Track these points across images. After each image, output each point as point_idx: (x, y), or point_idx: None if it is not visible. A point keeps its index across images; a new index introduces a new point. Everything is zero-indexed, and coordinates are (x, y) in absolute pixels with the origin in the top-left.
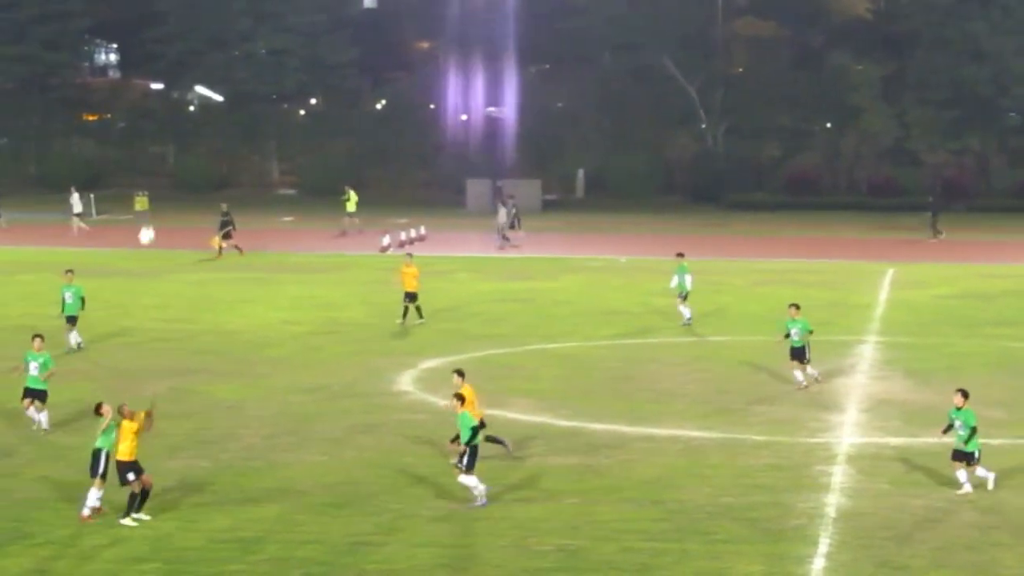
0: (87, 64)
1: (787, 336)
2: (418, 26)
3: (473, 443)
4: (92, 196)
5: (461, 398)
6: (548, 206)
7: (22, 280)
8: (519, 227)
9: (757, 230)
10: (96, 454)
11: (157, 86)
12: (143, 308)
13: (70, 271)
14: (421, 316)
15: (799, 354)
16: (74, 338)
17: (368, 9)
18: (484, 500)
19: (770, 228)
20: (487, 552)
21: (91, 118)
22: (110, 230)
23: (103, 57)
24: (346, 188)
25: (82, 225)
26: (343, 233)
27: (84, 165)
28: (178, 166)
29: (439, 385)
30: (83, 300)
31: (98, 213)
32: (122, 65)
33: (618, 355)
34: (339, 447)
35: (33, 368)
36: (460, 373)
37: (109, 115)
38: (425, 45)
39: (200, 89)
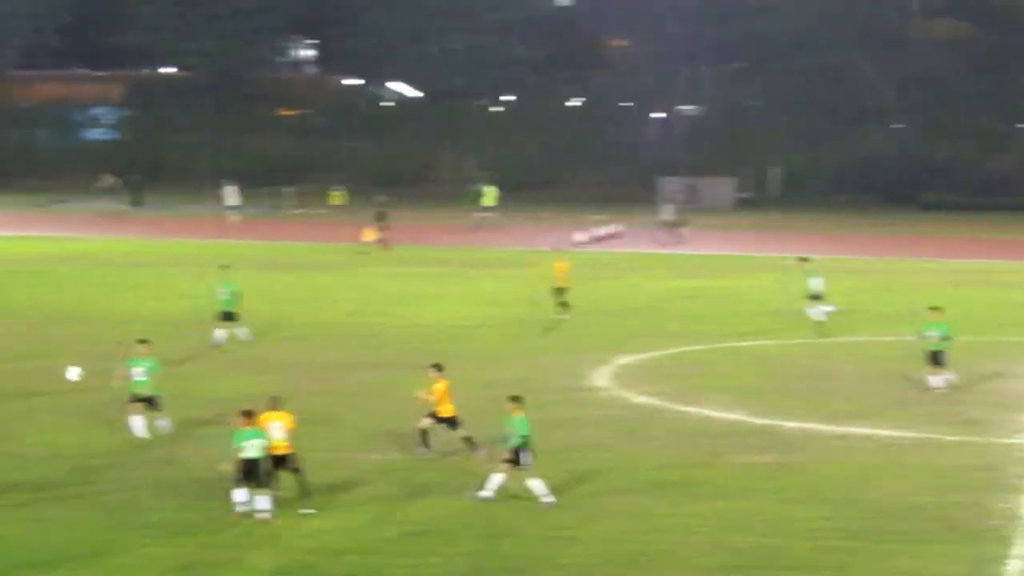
0: (285, 60)
1: (926, 337)
2: (612, 24)
3: (520, 446)
4: (292, 190)
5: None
6: (741, 204)
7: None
8: (682, 226)
9: (952, 230)
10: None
11: (355, 82)
12: (337, 302)
13: (226, 266)
14: (565, 312)
15: (937, 358)
16: (243, 333)
17: (563, 7)
18: (490, 494)
19: (965, 229)
20: (682, 549)
21: (289, 114)
22: (307, 225)
23: (301, 53)
24: (483, 184)
25: (235, 218)
26: (478, 228)
27: (281, 160)
28: (375, 161)
29: (635, 381)
30: (239, 296)
31: (296, 208)
32: (320, 61)
33: (812, 353)
34: (534, 442)
35: (138, 374)
36: (438, 367)
37: (306, 111)
38: (619, 43)
39: (397, 85)
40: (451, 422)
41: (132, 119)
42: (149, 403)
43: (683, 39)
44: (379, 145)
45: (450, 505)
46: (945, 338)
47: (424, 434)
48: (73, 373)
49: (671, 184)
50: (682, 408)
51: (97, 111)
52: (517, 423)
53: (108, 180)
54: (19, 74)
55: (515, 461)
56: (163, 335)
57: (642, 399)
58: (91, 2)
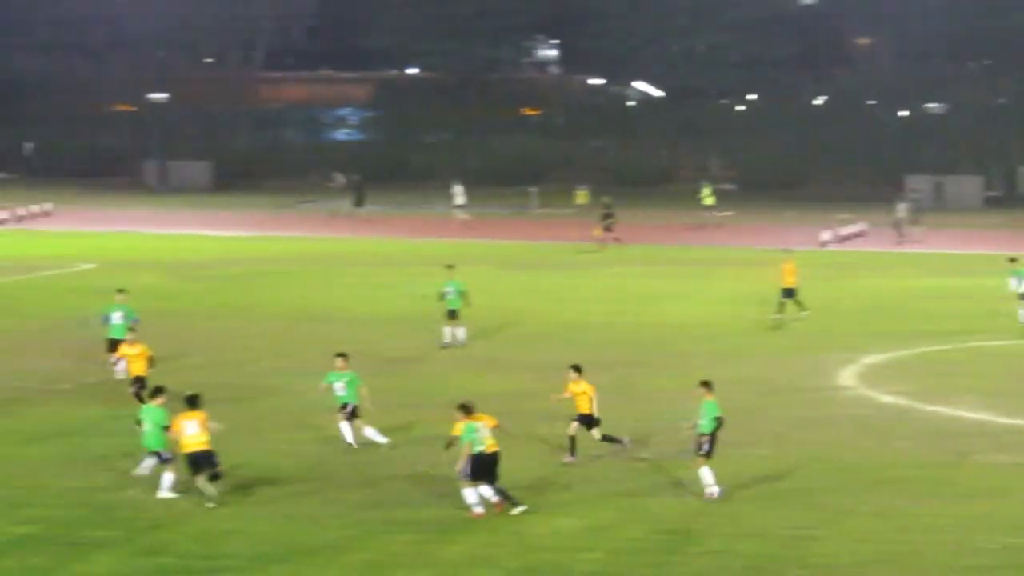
0: (527, 60)
1: None
2: (858, 22)
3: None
4: (535, 190)
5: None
6: (990, 203)
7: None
8: (916, 224)
9: None
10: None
11: (597, 81)
12: (583, 301)
13: (451, 265)
14: (803, 309)
15: None
16: (460, 333)
17: (807, 5)
18: (715, 490)
19: None
20: (929, 549)
21: (532, 113)
22: (552, 224)
23: (544, 53)
24: (703, 183)
25: (464, 217)
26: (703, 227)
27: (524, 160)
28: (618, 161)
29: (882, 380)
30: (464, 295)
31: (539, 207)
32: (563, 61)
33: None
34: (781, 441)
35: (339, 388)
36: (577, 369)
37: (549, 111)
38: (865, 41)
39: (640, 84)
40: (588, 421)
41: (377, 120)
42: (352, 413)
43: (929, 36)
44: (622, 144)
45: (696, 504)
46: None
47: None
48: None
49: (910, 183)
50: (929, 408)
51: (342, 112)
52: (708, 407)
53: (340, 180)
54: (266, 76)
55: (709, 453)
56: (403, 334)
57: (889, 398)
58: (338, 5)
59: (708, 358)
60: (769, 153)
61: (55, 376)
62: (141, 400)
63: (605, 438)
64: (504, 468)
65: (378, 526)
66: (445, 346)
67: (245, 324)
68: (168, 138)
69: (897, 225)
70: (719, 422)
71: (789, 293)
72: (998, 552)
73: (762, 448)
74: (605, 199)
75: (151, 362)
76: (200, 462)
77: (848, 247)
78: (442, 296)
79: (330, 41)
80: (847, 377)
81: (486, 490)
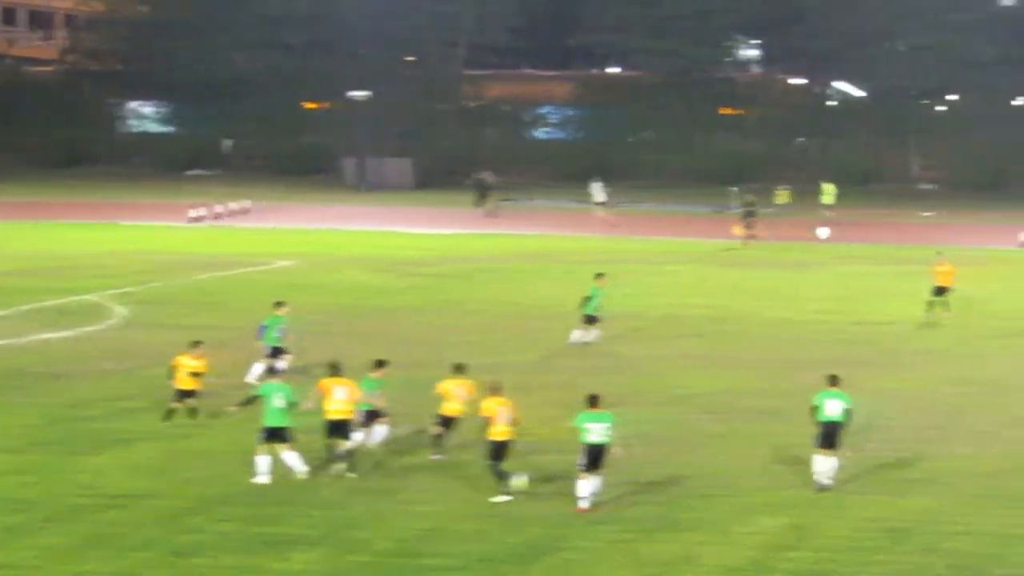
0: (730, 59)
1: None
2: None
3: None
4: (736, 189)
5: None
6: None
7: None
8: None
9: None
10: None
11: (798, 81)
12: (792, 299)
13: (601, 274)
14: (945, 311)
15: None
16: (592, 335)
17: (1009, 5)
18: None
19: None
20: None
21: (733, 112)
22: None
23: (746, 52)
24: (821, 183)
25: (607, 215)
26: (825, 223)
27: (727, 158)
28: (821, 160)
29: None
30: (589, 300)
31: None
32: (764, 60)
33: None
34: (986, 439)
35: (374, 396)
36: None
37: (751, 109)
38: None
39: (841, 84)
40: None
41: (578, 119)
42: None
43: None
44: (823, 144)
45: (904, 503)
46: None
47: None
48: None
49: None
50: None
51: (544, 110)
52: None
53: (490, 179)
54: (468, 73)
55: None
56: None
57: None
58: (540, 3)
59: (915, 356)
60: (970, 153)
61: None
62: (171, 413)
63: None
64: (716, 465)
65: (582, 524)
66: (573, 344)
67: (448, 320)
68: (368, 136)
69: None
70: (847, 415)
71: (941, 291)
72: None
73: (967, 447)
74: (748, 196)
75: (201, 380)
76: (339, 430)
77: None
78: (586, 301)
79: (532, 39)
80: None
81: (587, 484)
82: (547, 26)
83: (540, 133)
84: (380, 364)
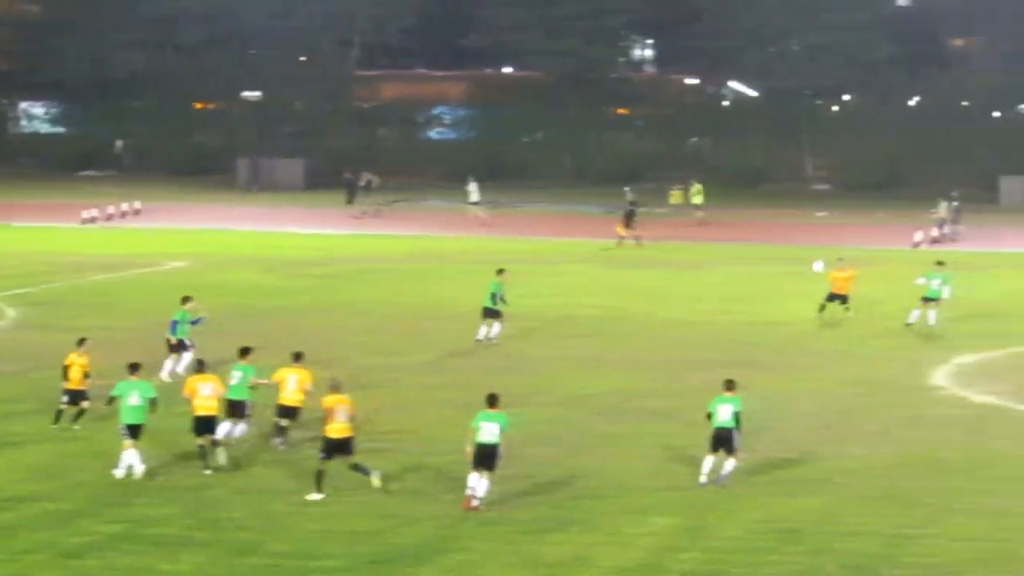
0: (624, 59)
1: None
2: (954, 22)
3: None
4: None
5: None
6: None
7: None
8: (959, 223)
9: None
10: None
11: (692, 81)
12: (681, 299)
13: (502, 270)
14: (848, 311)
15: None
16: (495, 329)
17: (903, 6)
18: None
19: None
20: (1022, 548)
21: (627, 112)
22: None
23: (639, 52)
24: (692, 181)
25: (481, 215)
26: (701, 223)
27: (620, 158)
28: (714, 160)
29: (974, 380)
30: (494, 297)
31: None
32: (658, 60)
33: None
34: (878, 441)
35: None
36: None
37: (645, 109)
38: (960, 42)
39: (735, 84)
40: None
41: (472, 119)
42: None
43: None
44: (716, 144)
45: (794, 503)
46: None
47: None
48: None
49: (1004, 184)
50: (1021, 407)
51: (437, 111)
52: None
53: (369, 179)
54: (361, 74)
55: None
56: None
57: (981, 398)
58: (434, 3)
59: (807, 358)
60: (864, 153)
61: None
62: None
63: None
64: (609, 465)
65: (474, 526)
66: (479, 342)
67: (339, 320)
68: (261, 136)
69: (940, 224)
70: (737, 418)
71: (834, 298)
72: None
73: (858, 447)
74: (630, 195)
75: (87, 376)
76: (206, 426)
77: (942, 247)
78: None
79: (425, 39)
80: (940, 377)
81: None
82: (441, 26)
83: (434, 133)
84: (245, 352)
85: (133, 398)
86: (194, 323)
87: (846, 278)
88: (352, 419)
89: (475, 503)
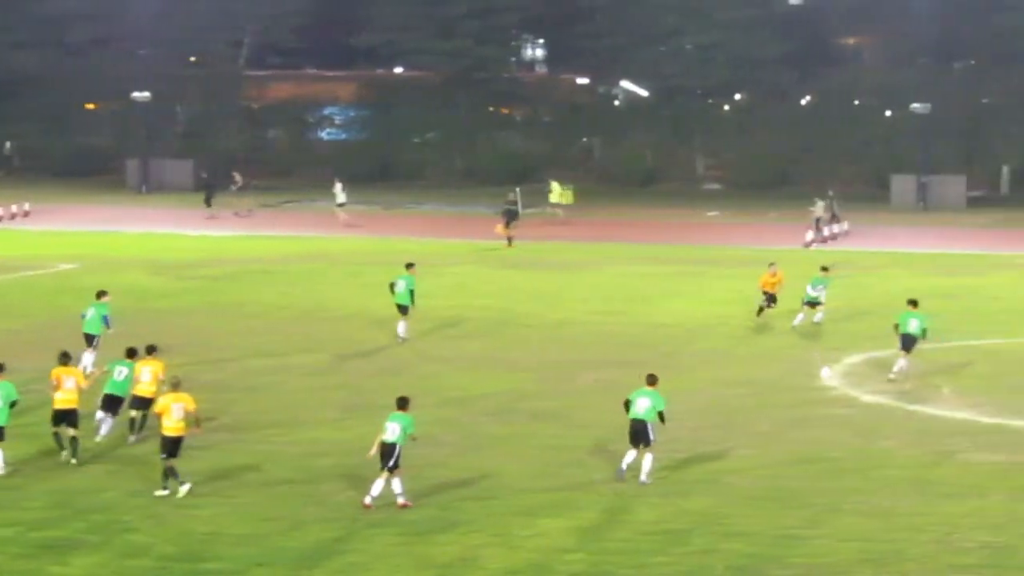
0: (515, 59)
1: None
2: (845, 21)
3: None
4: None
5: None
6: (973, 202)
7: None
8: (837, 221)
9: None
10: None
11: (583, 81)
12: (570, 300)
13: (411, 264)
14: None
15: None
16: (402, 329)
17: (794, 5)
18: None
19: None
20: (910, 548)
21: (519, 113)
22: (536, 223)
23: (531, 52)
24: (549, 180)
25: (344, 215)
26: (563, 222)
27: (511, 159)
28: (604, 160)
29: (864, 380)
30: (412, 293)
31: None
32: (549, 60)
33: None
34: (766, 441)
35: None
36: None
37: (536, 109)
38: (851, 41)
39: (626, 84)
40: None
41: (362, 119)
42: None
43: (915, 36)
44: (608, 144)
45: (682, 504)
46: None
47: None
48: (826, 372)
49: (895, 182)
50: (911, 407)
51: (328, 111)
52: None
53: (239, 180)
54: (251, 74)
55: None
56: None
57: (871, 398)
58: (324, 3)
59: (695, 358)
60: (755, 153)
61: (38, 376)
62: None
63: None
64: (497, 467)
65: (361, 527)
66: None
67: (228, 322)
68: (150, 137)
69: (817, 223)
70: (651, 412)
71: (772, 299)
72: (979, 551)
73: (747, 448)
74: (511, 195)
75: None
76: (66, 418)
77: (832, 247)
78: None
79: (316, 39)
80: (830, 377)
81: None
82: (331, 26)
83: (325, 134)
84: (131, 353)
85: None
86: (105, 321)
87: (776, 281)
88: (190, 418)
89: (368, 501)
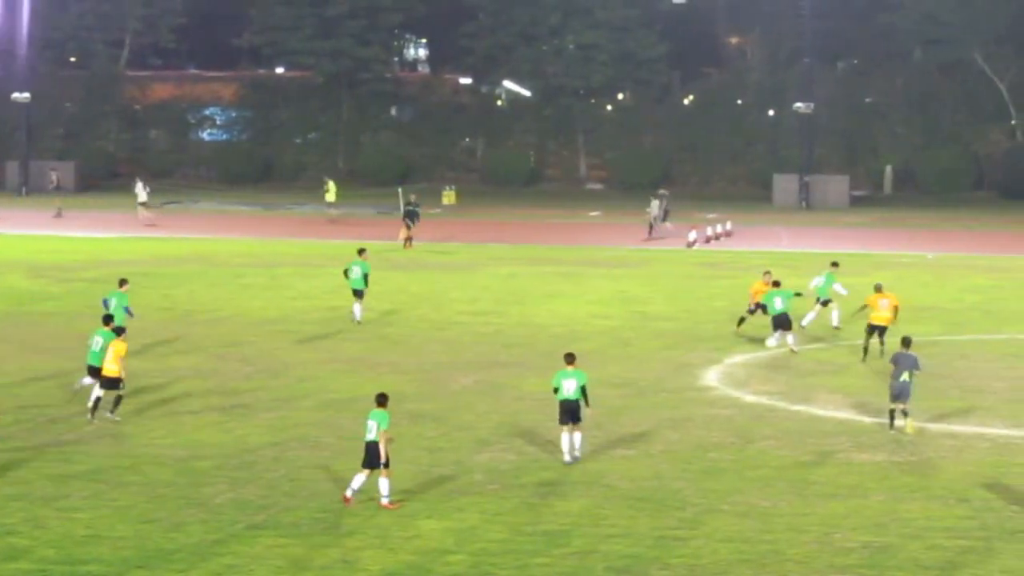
0: (397, 59)
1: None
2: (728, 21)
3: None
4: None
5: None
6: (856, 202)
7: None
8: (666, 220)
9: None
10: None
11: (466, 81)
12: (452, 301)
13: (363, 249)
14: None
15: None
16: (358, 311)
17: (678, 4)
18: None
19: None
20: (790, 548)
21: (399, 113)
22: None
23: (413, 52)
24: (325, 179)
25: (147, 214)
26: (333, 221)
27: (393, 159)
28: (487, 160)
29: (746, 380)
30: (367, 277)
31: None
32: (432, 60)
33: (926, 352)
34: (646, 442)
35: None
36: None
37: (419, 110)
38: (734, 40)
39: (509, 84)
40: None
41: (243, 120)
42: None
43: (799, 36)
44: (491, 144)
45: (561, 505)
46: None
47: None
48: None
49: (777, 182)
50: (792, 407)
51: (209, 111)
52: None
53: (54, 179)
54: (132, 75)
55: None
56: (271, 335)
57: (752, 398)
58: (205, 3)
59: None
60: (638, 152)
61: None
62: None
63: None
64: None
65: (241, 529)
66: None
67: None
68: (31, 139)
69: (653, 221)
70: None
71: (758, 308)
72: (859, 550)
73: (626, 449)
74: (410, 196)
75: None
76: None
77: (716, 247)
78: (346, 273)
79: (197, 40)
80: (711, 378)
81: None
82: (213, 26)
83: (206, 135)
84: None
85: None
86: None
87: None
88: None
89: (348, 494)
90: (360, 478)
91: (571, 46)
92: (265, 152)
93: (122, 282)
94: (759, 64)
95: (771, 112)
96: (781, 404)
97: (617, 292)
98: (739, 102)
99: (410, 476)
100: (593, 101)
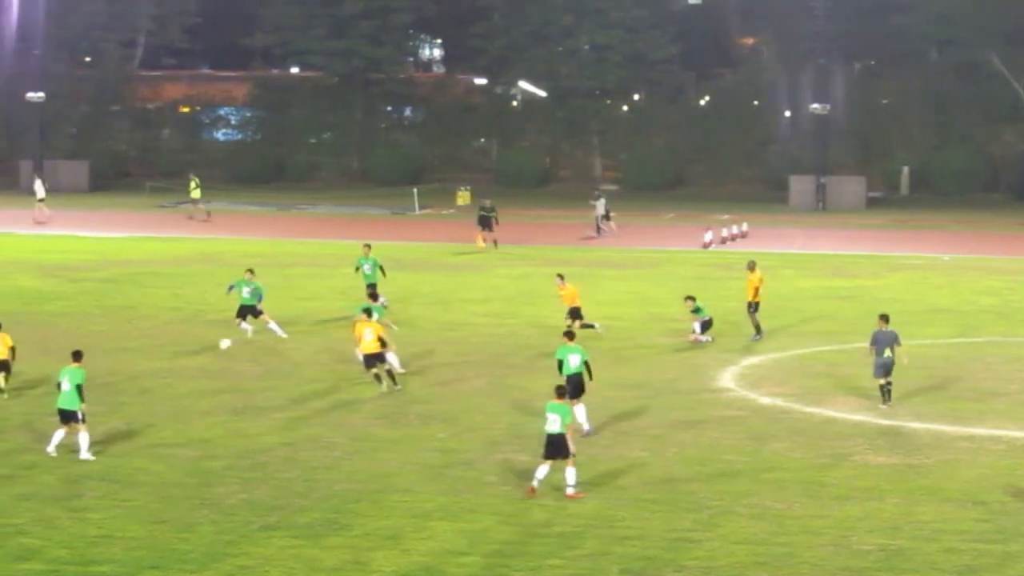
0: (411, 59)
1: None
2: (742, 22)
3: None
4: (415, 190)
5: None
6: (872, 203)
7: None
8: (610, 219)
9: None
10: None
11: (480, 81)
12: (464, 302)
13: (368, 245)
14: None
15: None
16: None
17: (692, 4)
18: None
19: None
20: (805, 551)
21: (413, 113)
22: (433, 225)
23: (427, 52)
24: (191, 176)
25: (44, 210)
26: (191, 217)
27: (406, 159)
28: (500, 161)
29: (761, 382)
30: (382, 268)
31: (420, 208)
32: (446, 60)
33: (941, 354)
34: (660, 443)
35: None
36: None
37: (432, 110)
38: (749, 41)
39: (523, 84)
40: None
41: (256, 120)
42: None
43: (814, 36)
44: (504, 144)
45: (574, 507)
46: None
47: None
48: (225, 343)
49: (793, 183)
50: (807, 409)
51: (222, 112)
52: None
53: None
54: (145, 75)
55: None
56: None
57: (767, 400)
58: (218, 3)
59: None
60: (652, 153)
61: None
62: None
63: None
64: (387, 470)
65: (254, 530)
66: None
67: (120, 325)
68: (44, 138)
69: (597, 221)
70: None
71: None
72: (874, 553)
73: (641, 451)
74: (486, 202)
75: (13, 352)
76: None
77: (731, 248)
78: (357, 269)
79: (210, 40)
80: (727, 379)
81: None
82: (226, 26)
83: (219, 135)
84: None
85: None
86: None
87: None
88: None
89: (534, 484)
90: (544, 469)
91: (585, 47)
92: (277, 152)
93: (249, 271)
94: (773, 65)
95: (786, 113)
96: (796, 406)
97: (631, 293)
98: (754, 103)
99: (422, 477)
100: (607, 102)
